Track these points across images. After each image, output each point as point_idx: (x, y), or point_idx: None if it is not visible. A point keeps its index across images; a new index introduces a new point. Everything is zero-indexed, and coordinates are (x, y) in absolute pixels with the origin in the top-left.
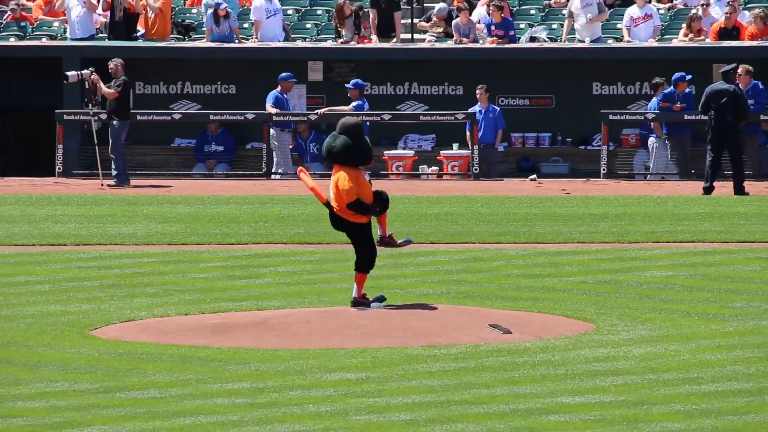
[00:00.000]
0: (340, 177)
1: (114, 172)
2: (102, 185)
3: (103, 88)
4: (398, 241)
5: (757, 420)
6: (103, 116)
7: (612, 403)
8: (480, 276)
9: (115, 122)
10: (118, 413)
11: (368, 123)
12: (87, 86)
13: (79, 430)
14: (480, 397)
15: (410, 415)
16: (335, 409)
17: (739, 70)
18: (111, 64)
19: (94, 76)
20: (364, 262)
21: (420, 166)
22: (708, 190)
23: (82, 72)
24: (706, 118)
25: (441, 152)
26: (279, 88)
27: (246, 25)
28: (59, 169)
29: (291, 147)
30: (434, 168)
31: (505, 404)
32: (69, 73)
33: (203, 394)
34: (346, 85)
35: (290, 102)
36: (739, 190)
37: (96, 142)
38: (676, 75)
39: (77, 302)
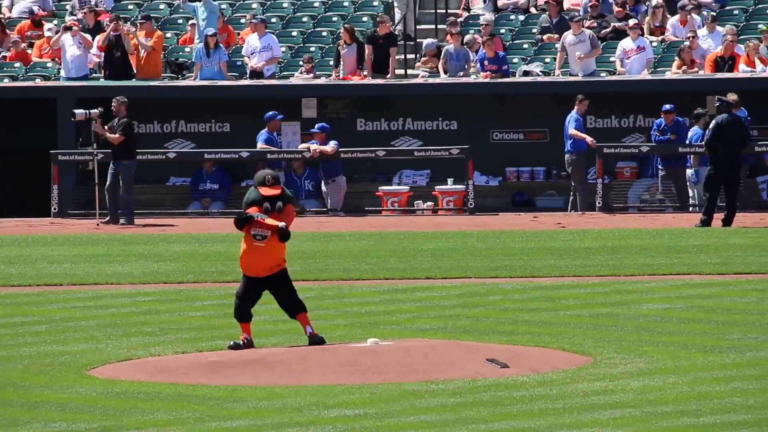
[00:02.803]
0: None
1: (124, 211)
2: (98, 225)
3: (108, 135)
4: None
5: None
6: (100, 156)
7: None
8: (476, 311)
9: (125, 162)
10: None
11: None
12: (93, 127)
13: None
14: (478, 431)
15: None
16: None
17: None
18: (114, 103)
19: (98, 126)
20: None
21: (415, 202)
22: (706, 223)
23: (91, 111)
24: (709, 150)
25: (436, 187)
26: (267, 128)
27: (239, 63)
28: (54, 209)
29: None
30: (429, 203)
31: None
32: (76, 111)
33: None
34: (312, 130)
35: (284, 139)
36: (729, 222)
37: (96, 181)
38: (664, 107)
39: (74, 342)
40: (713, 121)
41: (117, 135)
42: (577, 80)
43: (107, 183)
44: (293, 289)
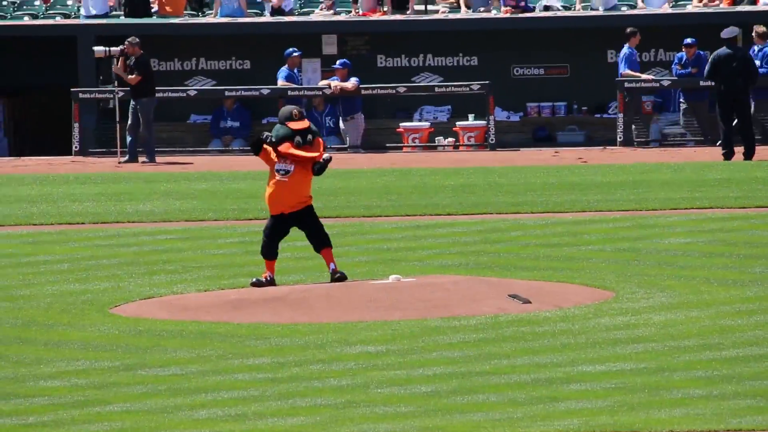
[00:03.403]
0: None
1: (146, 149)
2: (119, 163)
3: (126, 77)
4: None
5: None
6: (121, 94)
7: (633, 370)
8: (498, 246)
9: (144, 99)
10: (139, 391)
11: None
12: (113, 67)
13: (101, 408)
14: (501, 367)
15: (431, 387)
16: (356, 382)
17: (755, 32)
18: (126, 46)
19: (117, 67)
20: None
21: (436, 138)
22: (728, 156)
23: (111, 49)
24: (713, 84)
25: (457, 123)
26: (287, 65)
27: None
28: (76, 147)
29: None
30: (450, 139)
31: (526, 374)
32: (96, 48)
33: (224, 370)
34: (333, 66)
35: (305, 76)
36: (749, 155)
37: (118, 119)
38: (685, 41)
39: (96, 281)
40: (711, 56)
41: (134, 76)
42: (597, 14)
43: (129, 122)
44: (320, 225)
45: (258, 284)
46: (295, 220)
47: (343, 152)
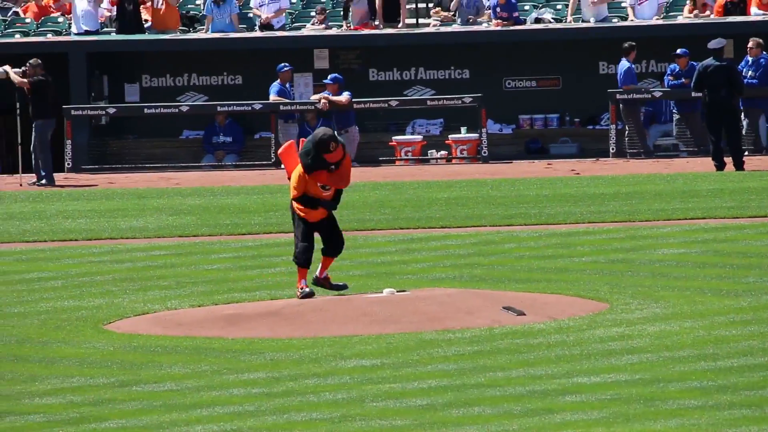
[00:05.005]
0: (298, 168)
1: (43, 173)
2: (21, 185)
3: (13, 75)
4: (333, 284)
5: None
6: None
7: (628, 381)
8: (492, 259)
9: (40, 122)
10: (135, 407)
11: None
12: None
13: (96, 424)
14: (496, 380)
15: (426, 400)
16: (352, 396)
17: (750, 44)
18: (28, 67)
19: (11, 75)
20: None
21: (429, 151)
22: (719, 168)
23: (15, 70)
24: (700, 95)
25: (449, 136)
26: (279, 80)
27: (250, 15)
28: (68, 164)
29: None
30: (443, 152)
31: (521, 386)
32: None
33: (219, 386)
34: (325, 81)
35: (297, 90)
36: (739, 165)
37: (20, 141)
38: (677, 51)
39: (91, 297)
40: (697, 67)
41: (25, 80)
42: (589, 26)
43: (32, 143)
44: (339, 230)
45: (310, 295)
46: (320, 225)
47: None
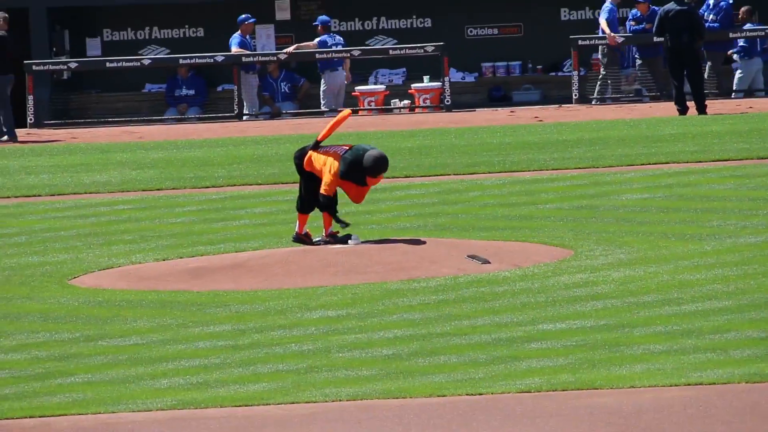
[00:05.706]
0: (333, 164)
1: (4, 128)
2: None
3: None
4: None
5: (738, 337)
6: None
7: (593, 327)
8: (456, 207)
9: None
10: (100, 361)
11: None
12: None
13: (62, 379)
14: (461, 328)
15: (392, 350)
16: (318, 347)
17: None
18: None
19: None
20: (308, 204)
21: (392, 101)
22: (682, 112)
23: None
24: (662, 40)
25: (412, 85)
26: (240, 32)
27: None
28: (30, 119)
29: (259, 87)
30: (406, 101)
31: (487, 334)
32: None
33: (185, 339)
34: (314, 23)
35: (259, 42)
36: (701, 109)
37: None
38: None
39: (55, 252)
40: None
41: None
42: None
43: None
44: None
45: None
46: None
47: (300, 117)
